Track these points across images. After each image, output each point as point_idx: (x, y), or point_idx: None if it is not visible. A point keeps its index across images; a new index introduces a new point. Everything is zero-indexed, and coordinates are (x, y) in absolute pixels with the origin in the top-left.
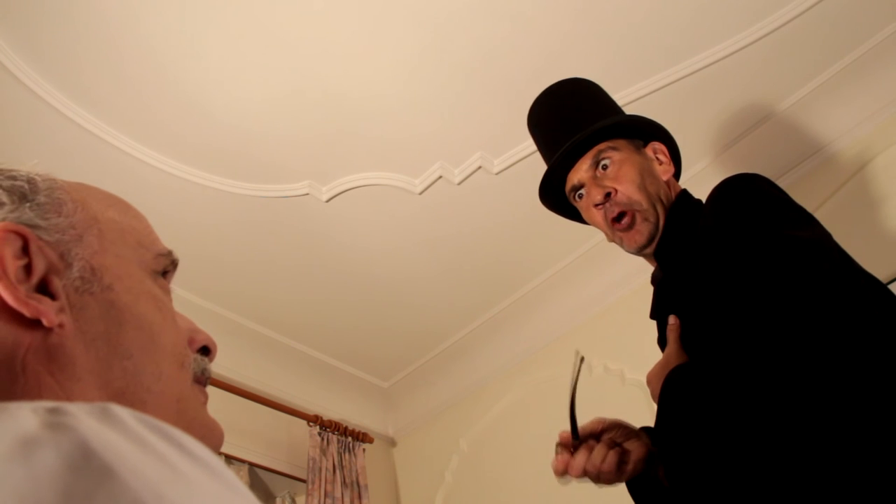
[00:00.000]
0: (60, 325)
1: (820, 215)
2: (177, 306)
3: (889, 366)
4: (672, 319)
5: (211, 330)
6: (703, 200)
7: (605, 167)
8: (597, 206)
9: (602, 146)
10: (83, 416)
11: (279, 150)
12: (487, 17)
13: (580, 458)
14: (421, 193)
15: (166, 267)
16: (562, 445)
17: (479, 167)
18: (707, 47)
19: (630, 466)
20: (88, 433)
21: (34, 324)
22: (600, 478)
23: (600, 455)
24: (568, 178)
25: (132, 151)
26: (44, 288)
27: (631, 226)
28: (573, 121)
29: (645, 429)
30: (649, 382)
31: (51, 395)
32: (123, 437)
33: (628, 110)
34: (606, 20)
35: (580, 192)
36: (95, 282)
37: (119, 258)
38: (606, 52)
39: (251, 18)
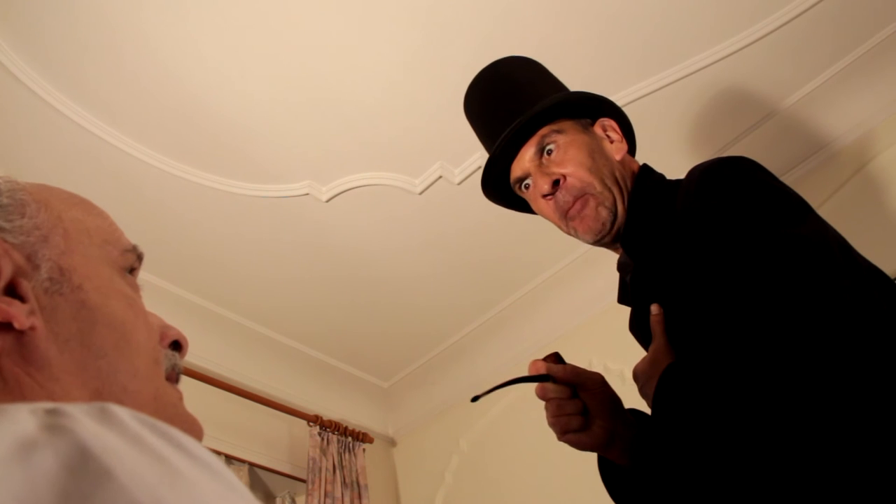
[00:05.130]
0: (32, 328)
1: (822, 213)
2: (178, 305)
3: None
4: (655, 309)
5: (211, 330)
6: (669, 178)
7: (549, 152)
8: (545, 196)
9: (545, 130)
10: (82, 418)
11: (279, 150)
12: (487, 17)
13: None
14: (421, 193)
15: (133, 263)
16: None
17: (479, 167)
18: (707, 47)
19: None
20: (87, 435)
21: (5, 327)
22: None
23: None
24: (511, 169)
25: (132, 151)
26: (12, 290)
27: (582, 209)
28: (511, 106)
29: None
30: (636, 378)
31: (33, 395)
32: (122, 438)
33: (628, 110)
34: (606, 20)
35: (525, 182)
36: (65, 282)
37: (86, 257)
38: (606, 51)
39: (252, 18)
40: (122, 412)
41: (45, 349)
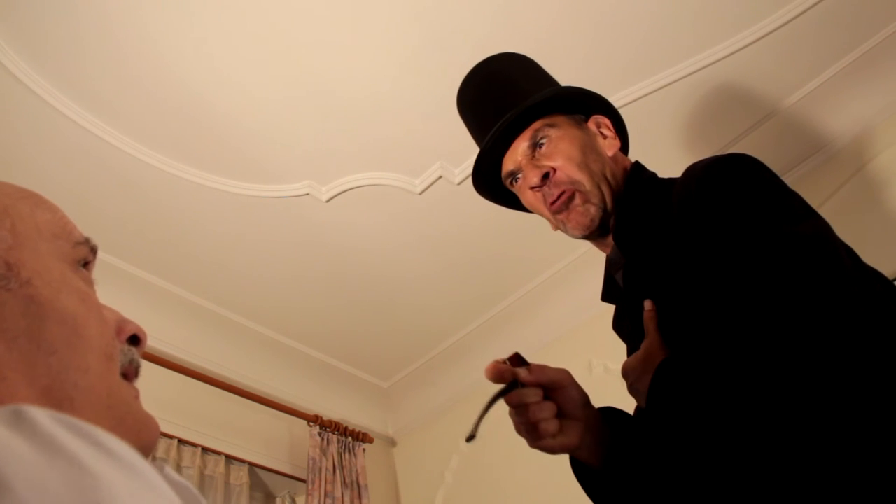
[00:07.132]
0: None
1: (823, 213)
2: (178, 306)
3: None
4: (648, 305)
5: (211, 330)
6: (662, 177)
7: (541, 146)
8: (532, 188)
9: (538, 124)
10: None
11: (279, 150)
12: (487, 17)
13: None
14: (421, 193)
15: (86, 256)
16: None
17: None
18: (706, 48)
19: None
20: None
21: None
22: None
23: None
24: (503, 163)
25: (132, 151)
26: None
27: (568, 203)
28: (504, 101)
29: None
30: (626, 375)
31: None
32: (31, 444)
33: (628, 110)
34: (606, 19)
35: (517, 175)
36: (12, 278)
37: (36, 252)
38: (604, 53)
39: (253, 18)
40: (38, 414)
41: None
